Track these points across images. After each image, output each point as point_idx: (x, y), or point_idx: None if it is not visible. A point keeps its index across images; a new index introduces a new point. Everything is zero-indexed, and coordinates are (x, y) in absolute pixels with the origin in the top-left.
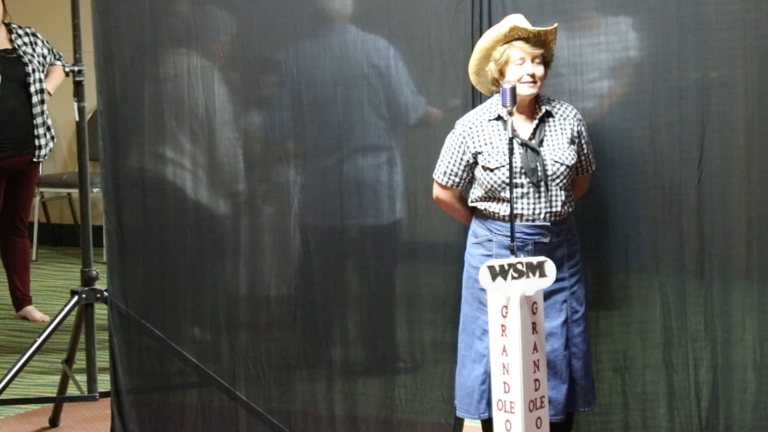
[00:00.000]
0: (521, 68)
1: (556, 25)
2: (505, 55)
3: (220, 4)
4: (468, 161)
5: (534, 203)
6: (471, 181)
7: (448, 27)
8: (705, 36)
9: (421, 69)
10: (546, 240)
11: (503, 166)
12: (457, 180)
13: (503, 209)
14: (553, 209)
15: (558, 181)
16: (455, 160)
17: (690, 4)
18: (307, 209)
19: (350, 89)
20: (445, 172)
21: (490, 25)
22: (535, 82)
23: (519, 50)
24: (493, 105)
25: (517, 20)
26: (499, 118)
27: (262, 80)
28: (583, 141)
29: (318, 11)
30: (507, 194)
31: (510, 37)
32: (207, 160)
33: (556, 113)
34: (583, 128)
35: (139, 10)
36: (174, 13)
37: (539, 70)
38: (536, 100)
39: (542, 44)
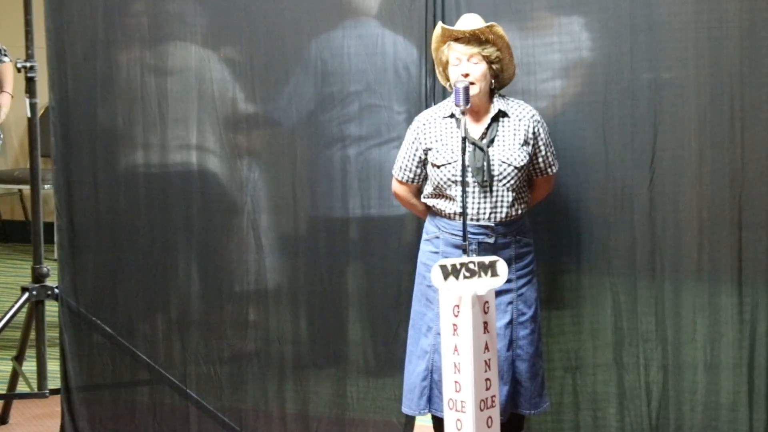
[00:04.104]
0: (458, 68)
1: (492, 23)
2: (445, 56)
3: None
4: (420, 157)
5: (479, 203)
6: (426, 177)
7: (402, 27)
8: (657, 37)
9: (375, 69)
10: (491, 240)
11: (450, 163)
12: (411, 175)
13: (449, 207)
14: (499, 210)
15: (505, 181)
16: (410, 156)
17: (643, 4)
18: (260, 206)
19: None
20: (401, 167)
21: None
22: (470, 82)
23: (454, 51)
24: (450, 102)
25: (466, 21)
26: (452, 115)
27: (213, 72)
28: (540, 142)
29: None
30: (453, 192)
31: (446, 38)
32: (160, 158)
33: (512, 113)
34: (541, 129)
35: (92, 8)
36: (128, 12)
37: (476, 69)
38: (490, 99)
39: (481, 43)
